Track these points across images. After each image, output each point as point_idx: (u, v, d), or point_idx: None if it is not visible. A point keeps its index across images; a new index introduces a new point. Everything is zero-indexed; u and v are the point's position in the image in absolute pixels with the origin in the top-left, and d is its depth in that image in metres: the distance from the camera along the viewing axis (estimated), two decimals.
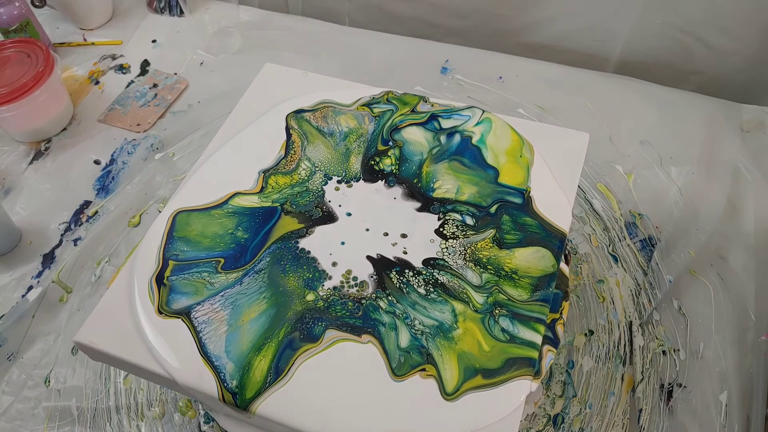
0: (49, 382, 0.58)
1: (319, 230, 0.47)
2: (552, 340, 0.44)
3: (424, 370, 0.39)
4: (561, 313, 0.45)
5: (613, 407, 0.53)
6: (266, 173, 0.51)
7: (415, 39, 0.86)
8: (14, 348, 0.60)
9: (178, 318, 0.42)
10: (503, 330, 0.40)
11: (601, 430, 0.52)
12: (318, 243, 0.46)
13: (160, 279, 0.44)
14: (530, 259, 0.44)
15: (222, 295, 0.43)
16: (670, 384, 0.53)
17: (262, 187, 0.50)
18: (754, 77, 0.75)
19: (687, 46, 0.76)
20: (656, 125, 0.73)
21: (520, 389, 0.38)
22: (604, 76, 0.79)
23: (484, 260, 0.44)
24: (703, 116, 0.73)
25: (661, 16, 0.75)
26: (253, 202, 0.49)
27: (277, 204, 0.48)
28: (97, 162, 0.75)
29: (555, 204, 0.47)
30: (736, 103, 0.74)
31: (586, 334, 0.57)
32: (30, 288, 0.64)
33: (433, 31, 0.88)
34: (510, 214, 0.47)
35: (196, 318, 0.42)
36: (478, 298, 0.42)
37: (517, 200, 0.47)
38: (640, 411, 0.52)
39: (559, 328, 0.44)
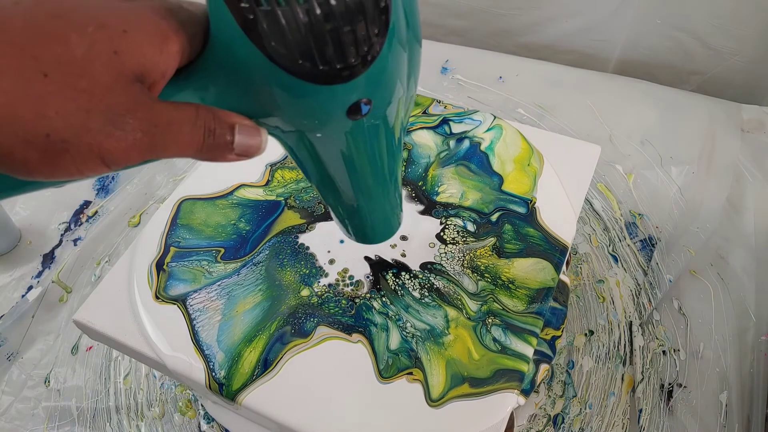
0: (49, 382, 0.58)
1: (320, 227, 0.47)
2: (547, 357, 0.43)
3: (411, 373, 0.38)
4: (562, 331, 0.44)
5: (613, 407, 0.53)
6: (273, 167, 0.51)
7: None
8: (14, 348, 0.60)
9: (174, 304, 0.42)
10: (495, 340, 0.39)
11: (601, 430, 0.52)
12: (317, 239, 0.46)
13: (160, 264, 0.44)
14: (529, 270, 0.43)
15: (219, 285, 0.43)
16: (670, 384, 0.53)
17: (268, 181, 0.50)
18: (754, 77, 0.75)
19: (687, 46, 0.76)
20: (656, 125, 0.73)
21: (507, 402, 0.37)
22: (604, 76, 0.79)
23: (482, 268, 0.43)
24: (703, 116, 0.73)
25: (661, 15, 0.74)
26: (257, 194, 0.49)
27: (281, 198, 0.48)
28: None
29: (560, 215, 0.46)
30: (736, 103, 0.73)
31: (586, 334, 0.57)
32: (30, 288, 0.64)
33: (433, 31, 0.88)
34: (512, 223, 0.46)
35: (191, 305, 0.42)
36: (472, 306, 0.41)
37: (520, 209, 0.47)
38: (640, 411, 0.52)
39: (556, 344, 0.44)
